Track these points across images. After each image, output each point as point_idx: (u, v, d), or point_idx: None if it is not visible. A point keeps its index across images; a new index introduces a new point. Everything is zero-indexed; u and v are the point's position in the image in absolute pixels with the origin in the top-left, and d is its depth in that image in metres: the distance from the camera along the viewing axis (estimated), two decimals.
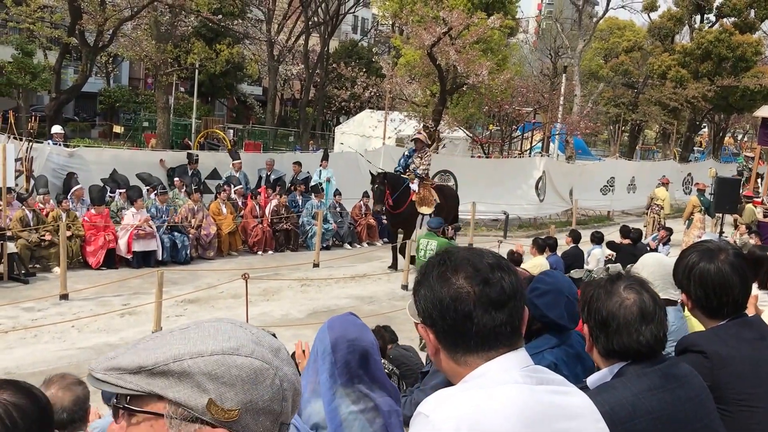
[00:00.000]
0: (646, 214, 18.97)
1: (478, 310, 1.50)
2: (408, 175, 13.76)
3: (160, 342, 1.14)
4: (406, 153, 14.36)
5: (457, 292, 1.51)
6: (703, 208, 17.15)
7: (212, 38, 31.49)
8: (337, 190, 16.15)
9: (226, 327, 1.16)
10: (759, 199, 17.00)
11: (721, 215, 14.39)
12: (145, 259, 12.46)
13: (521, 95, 23.81)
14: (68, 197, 12.45)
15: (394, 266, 13.88)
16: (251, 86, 45.70)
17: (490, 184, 19.65)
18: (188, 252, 13.13)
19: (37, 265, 11.63)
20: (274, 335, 4.46)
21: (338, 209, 16.01)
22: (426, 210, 13.68)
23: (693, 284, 2.51)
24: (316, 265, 13.52)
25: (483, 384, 1.48)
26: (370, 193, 14.32)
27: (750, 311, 3.37)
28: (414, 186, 13.63)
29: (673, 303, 3.40)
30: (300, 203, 15.63)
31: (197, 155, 16.05)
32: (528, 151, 25.49)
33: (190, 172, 15.33)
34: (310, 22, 32.42)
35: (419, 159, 13.89)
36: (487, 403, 1.43)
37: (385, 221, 16.82)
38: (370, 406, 2.12)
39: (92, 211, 12.39)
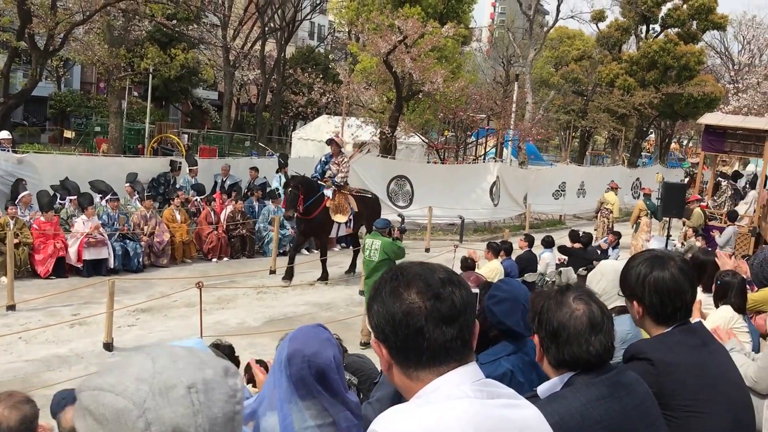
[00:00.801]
0: (596, 218, 19.32)
1: (430, 324, 1.52)
2: (325, 182, 13.23)
3: (111, 365, 1.16)
4: (323, 159, 13.82)
5: (409, 307, 1.53)
6: (649, 212, 17.55)
7: (167, 43, 31.16)
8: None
9: (139, 359, 1.14)
10: (704, 203, 17.45)
11: (668, 219, 14.78)
12: (96, 268, 12.24)
13: (475, 102, 24.14)
14: (16, 203, 12.16)
15: (288, 276, 12.79)
16: (207, 91, 45.26)
17: (445, 189, 19.85)
18: (141, 260, 12.93)
19: None
20: (230, 346, 4.41)
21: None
22: (340, 218, 13.21)
23: (648, 292, 2.54)
24: (272, 272, 13.41)
25: (435, 399, 1.49)
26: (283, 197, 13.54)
27: (695, 315, 3.46)
28: (328, 192, 13.10)
29: None
30: (257, 209, 15.54)
31: (180, 163, 15.87)
32: (482, 157, 25.82)
33: (171, 180, 15.22)
34: (266, 28, 32.29)
35: (336, 166, 13.37)
36: (439, 418, 1.44)
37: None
38: (328, 421, 2.11)
39: (41, 218, 12.11)
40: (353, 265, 13.89)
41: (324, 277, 13.20)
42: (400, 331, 1.53)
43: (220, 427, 1.13)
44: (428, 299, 1.53)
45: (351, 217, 13.38)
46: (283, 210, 15.24)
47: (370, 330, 1.63)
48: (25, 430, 2.73)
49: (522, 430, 1.53)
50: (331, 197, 13.06)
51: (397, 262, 9.34)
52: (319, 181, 13.20)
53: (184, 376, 1.12)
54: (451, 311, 1.53)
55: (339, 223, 13.27)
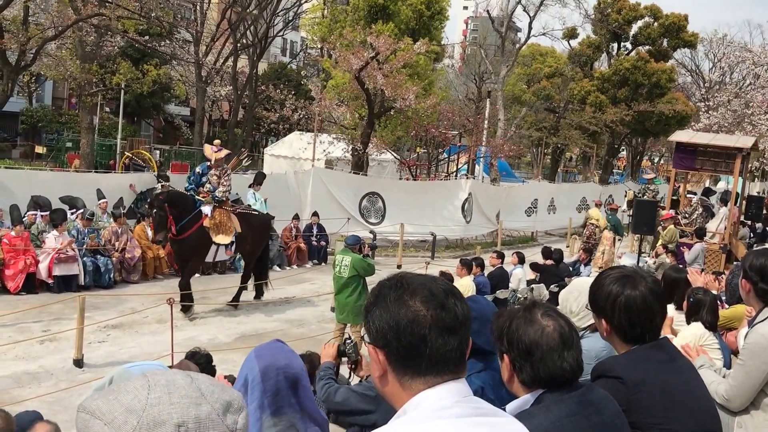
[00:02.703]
0: (581, 233, 19.44)
1: (433, 333, 1.52)
2: (203, 196, 11.57)
3: (110, 388, 1.17)
4: (199, 170, 12.04)
5: (415, 314, 1.53)
6: (610, 225, 17.89)
7: (139, 59, 31.10)
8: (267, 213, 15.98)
9: (136, 385, 1.13)
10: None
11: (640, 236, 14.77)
12: (66, 284, 12.15)
13: (447, 119, 24.30)
14: None
15: (185, 309, 11.28)
16: (179, 107, 45.08)
17: (417, 205, 19.95)
18: (112, 276, 12.86)
19: None
20: (208, 355, 4.48)
21: None
22: (223, 239, 11.50)
23: (618, 312, 2.52)
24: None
25: (415, 418, 1.49)
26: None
27: (666, 331, 3.42)
28: (206, 209, 11.43)
29: None
30: None
31: (168, 176, 15.78)
32: (454, 174, 25.98)
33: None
34: (238, 44, 32.33)
35: (216, 177, 11.67)
36: None
37: (313, 242, 16.90)
38: None
39: (12, 233, 12.01)
40: (237, 297, 12.49)
41: (185, 309, 11.30)
42: (403, 338, 1.53)
43: None
44: (433, 308, 1.54)
45: (233, 239, 11.79)
46: None
47: (366, 335, 1.63)
48: None
49: None
50: (209, 215, 11.44)
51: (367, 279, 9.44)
52: (196, 197, 11.57)
53: (176, 411, 1.09)
54: (454, 322, 1.55)
55: (218, 245, 11.60)
